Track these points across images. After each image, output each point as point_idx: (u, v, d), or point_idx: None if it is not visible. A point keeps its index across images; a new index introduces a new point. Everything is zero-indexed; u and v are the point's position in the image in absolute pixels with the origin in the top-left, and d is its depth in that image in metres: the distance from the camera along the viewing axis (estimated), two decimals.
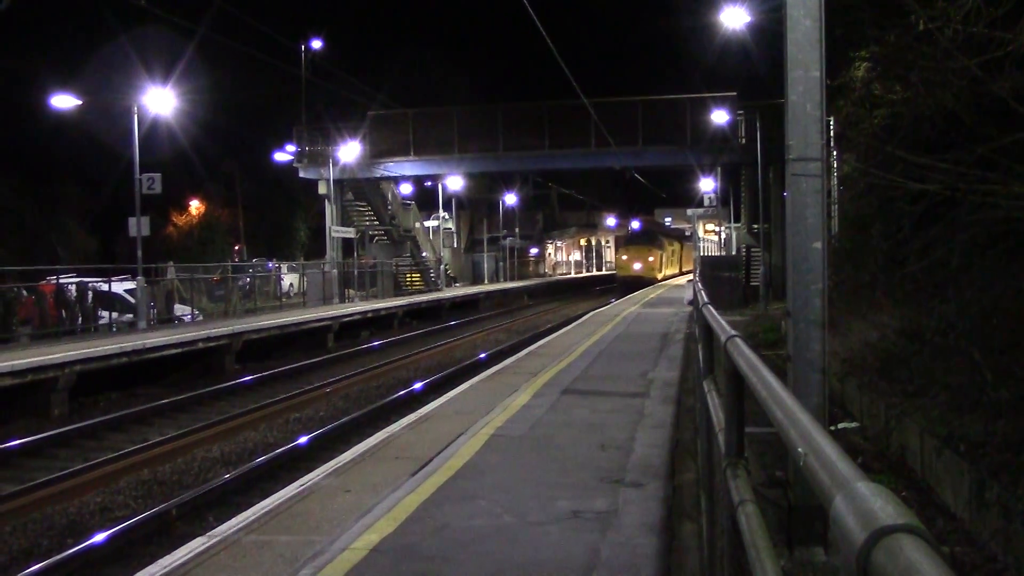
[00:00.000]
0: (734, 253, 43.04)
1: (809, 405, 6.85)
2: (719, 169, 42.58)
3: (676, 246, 68.74)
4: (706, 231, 72.57)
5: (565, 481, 6.71)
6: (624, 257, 57.01)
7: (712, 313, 5.37)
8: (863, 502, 1.08)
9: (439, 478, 6.78)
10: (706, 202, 48.10)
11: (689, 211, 43.94)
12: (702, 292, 9.78)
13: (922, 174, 9.46)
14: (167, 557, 5.23)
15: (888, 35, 10.64)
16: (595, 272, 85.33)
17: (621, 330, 20.20)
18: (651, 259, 55.43)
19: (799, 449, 1.46)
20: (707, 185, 47.46)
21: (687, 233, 75.51)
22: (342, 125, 37.90)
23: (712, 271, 32.41)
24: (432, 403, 10.56)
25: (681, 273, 67.11)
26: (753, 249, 36.99)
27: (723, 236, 62.24)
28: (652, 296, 36.66)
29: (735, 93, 36.28)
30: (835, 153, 19.00)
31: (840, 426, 10.78)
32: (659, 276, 55.38)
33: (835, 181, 19.69)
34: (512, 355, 16.18)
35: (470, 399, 10.64)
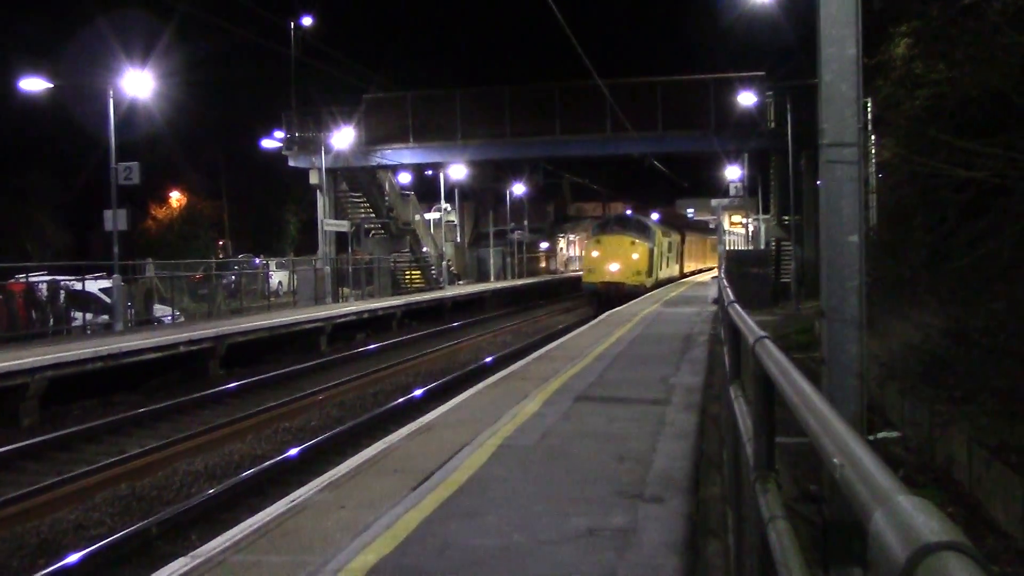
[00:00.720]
0: (762, 247, 42.98)
1: (845, 412, 6.84)
2: (746, 156, 42.53)
3: (675, 237, 54.71)
4: (732, 223, 72.33)
5: (579, 496, 6.71)
6: (595, 254, 40.74)
7: (739, 312, 5.36)
8: (905, 517, 1.08)
9: (442, 493, 6.79)
10: (732, 191, 47.84)
11: (713, 201, 43.40)
12: (727, 289, 9.77)
13: (968, 160, 9.43)
14: None
15: (931, 9, 10.60)
16: None
17: (640, 331, 20.20)
18: (635, 256, 39.91)
19: (834, 460, 1.46)
20: (733, 173, 47.37)
21: (711, 226, 74.88)
22: (335, 110, 37.96)
23: (739, 267, 32.35)
24: (434, 411, 10.57)
25: (683, 275, 55.06)
26: (783, 243, 36.93)
27: (750, 229, 62.14)
28: (672, 295, 36.63)
29: (763, 73, 36.20)
30: (873, 138, 18.94)
31: (879, 435, 10.76)
32: (649, 282, 40.28)
33: (873, 168, 19.64)
34: (521, 359, 16.19)
35: (475, 407, 10.64)
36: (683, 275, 56.95)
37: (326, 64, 50.54)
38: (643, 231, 41.98)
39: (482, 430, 9.10)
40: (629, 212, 56.89)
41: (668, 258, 49.59)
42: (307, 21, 38.32)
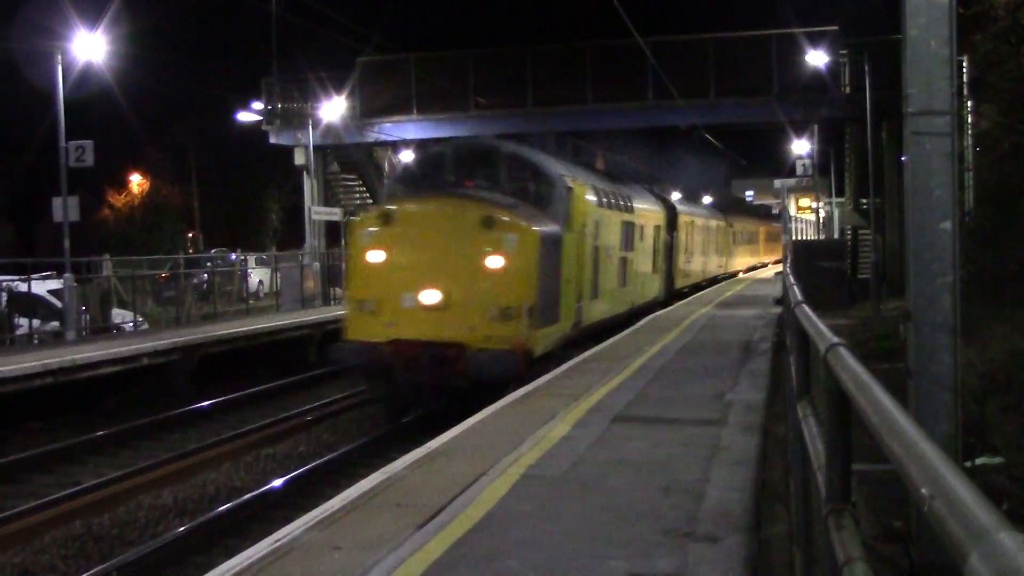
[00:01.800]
0: (836, 236, 42.83)
1: (937, 434, 6.81)
2: (816, 127, 42.36)
3: (709, 222, 45.09)
4: (800, 208, 72.02)
5: (618, 536, 6.71)
6: (376, 259, 17.39)
7: (808, 315, 5.35)
8: (1007, 558, 1.07)
9: (453, 532, 6.80)
10: (799, 170, 47.45)
11: (777, 182, 43.51)
12: (795, 288, 9.74)
13: None
14: None
15: None
16: None
17: (688, 339, 20.18)
18: (495, 264, 16.94)
19: (923, 491, 1.45)
20: (800, 148, 47.19)
21: (774, 211, 74.37)
22: (324, 76, 37.92)
23: (808, 260, 32.24)
24: (445, 435, 10.58)
25: (671, 295, 34.41)
26: (861, 231, 36.79)
27: (822, 215, 61.91)
28: (728, 294, 36.57)
29: (836, 28, 36.04)
30: (969, 104, 18.83)
31: (979, 461, 10.70)
32: (550, 336, 18.15)
33: (969, 141, 19.52)
34: (547, 371, 16.18)
35: (493, 430, 10.65)
36: (730, 274, 51.10)
37: (313, 22, 50.77)
38: (542, 192, 19.54)
39: (501, 457, 9.10)
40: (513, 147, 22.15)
41: (667, 259, 33.68)
42: None
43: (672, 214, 34.93)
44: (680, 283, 37.23)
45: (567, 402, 12.20)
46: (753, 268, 62.19)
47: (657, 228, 31.12)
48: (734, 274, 53.37)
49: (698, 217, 43.23)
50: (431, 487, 8.11)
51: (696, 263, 41.75)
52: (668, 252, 33.85)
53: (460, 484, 8.14)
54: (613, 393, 12.92)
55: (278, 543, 6.71)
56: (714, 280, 46.31)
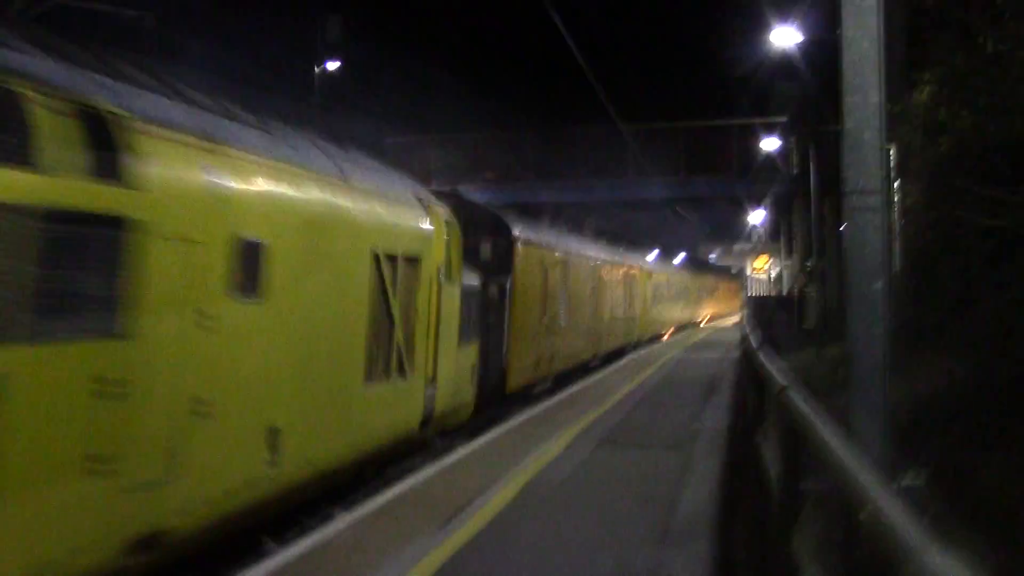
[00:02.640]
0: (785, 293, 42.79)
1: (872, 457, 6.78)
2: (769, 200, 42.47)
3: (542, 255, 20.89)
4: (755, 268, 71.91)
5: (605, 537, 6.68)
6: None
7: (763, 360, 5.36)
8: (936, 572, 1.07)
9: (468, 531, 6.77)
10: (754, 237, 47.55)
11: (736, 247, 43.47)
12: (752, 336, 9.74)
13: (993, 207, 9.40)
14: None
15: (955, 57, 10.63)
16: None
17: (662, 375, 20.11)
18: None
19: (861, 516, 1.46)
20: (756, 217, 47.28)
21: (733, 272, 74.18)
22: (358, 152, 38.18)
23: (762, 311, 32.21)
24: (459, 451, 10.54)
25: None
26: (806, 288, 36.73)
27: (772, 273, 61.84)
28: (695, 340, 36.45)
29: (785, 119, 36.26)
30: (896, 184, 18.88)
31: (906, 481, 10.63)
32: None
33: (896, 214, 19.56)
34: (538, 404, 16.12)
35: (500, 447, 10.62)
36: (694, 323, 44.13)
37: (349, 108, 51.12)
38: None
39: (506, 471, 9.08)
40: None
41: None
42: (332, 66, 38.73)
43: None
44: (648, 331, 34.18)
45: (560, 428, 12.15)
46: (713, 318, 58.43)
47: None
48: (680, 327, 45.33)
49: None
50: (449, 494, 8.08)
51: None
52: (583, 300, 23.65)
53: (474, 492, 8.11)
54: (599, 420, 12.89)
55: (313, 542, 6.66)
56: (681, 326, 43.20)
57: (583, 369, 22.00)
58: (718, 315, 60.73)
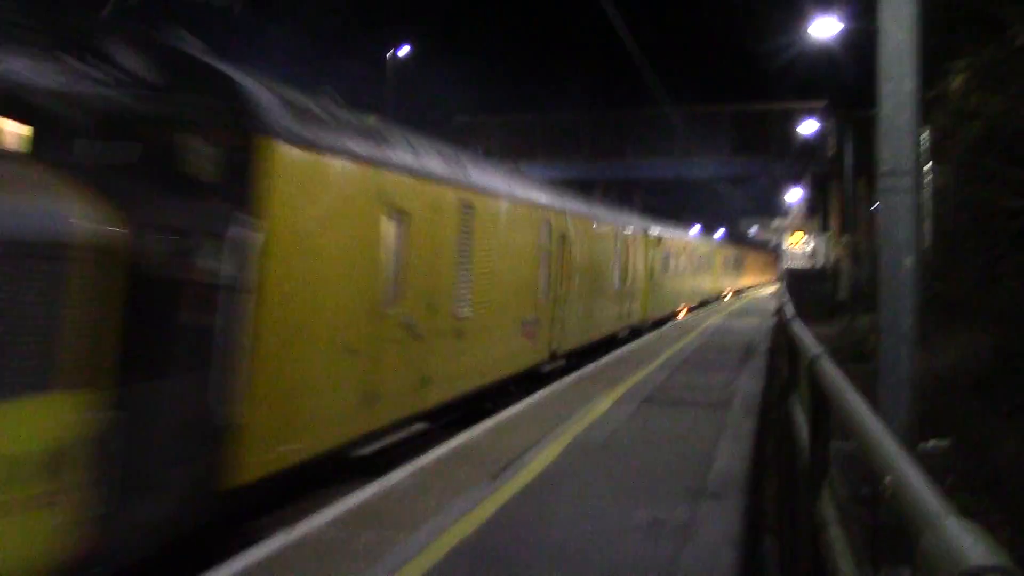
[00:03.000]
0: (820, 266, 42.16)
1: (898, 422, 6.68)
2: (808, 179, 41.78)
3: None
4: (792, 243, 70.89)
5: (645, 490, 6.66)
6: None
7: (798, 328, 5.28)
8: (952, 540, 1.05)
9: (517, 484, 6.80)
10: (792, 213, 46.92)
11: (775, 222, 42.89)
12: (788, 305, 9.62)
13: (1021, 189, 9.14)
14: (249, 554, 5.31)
15: (985, 50, 10.33)
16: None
17: (703, 341, 19.96)
18: None
19: (886, 480, 1.43)
20: (794, 195, 46.56)
21: (772, 244, 73.21)
22: (427, 132, 38.32)
23: (799, 283, 31.78)
24: (511, 408, 10.58)
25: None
26: (841, 262, 36.18)
27: (810, 248, 60.86)
28: (735, 307, 36.11)
29: (824, 104, 35.60)
30: (928, 165, 18.43)
31: (930, 445, 10.46)
32: None
33: (928, 192, 19.11)
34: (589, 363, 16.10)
35: (549, 407, 10.64)
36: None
37: (419, 91, 51.14)
38: None
39: (555, 427, 9.09)
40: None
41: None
42: (403, 51, 38.79)
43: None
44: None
45: (607, 387, 12.12)
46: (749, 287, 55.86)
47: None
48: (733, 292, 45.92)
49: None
50: (501, 449, 8.12)
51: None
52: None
53: (523, 447, 8.14)
54: (643, 381, 12.82)
55: (384, 486, 6.75)
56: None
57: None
58: (749, 287, 56.21)
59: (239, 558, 5.18)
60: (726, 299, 42.43)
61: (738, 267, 51.14)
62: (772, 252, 66.64)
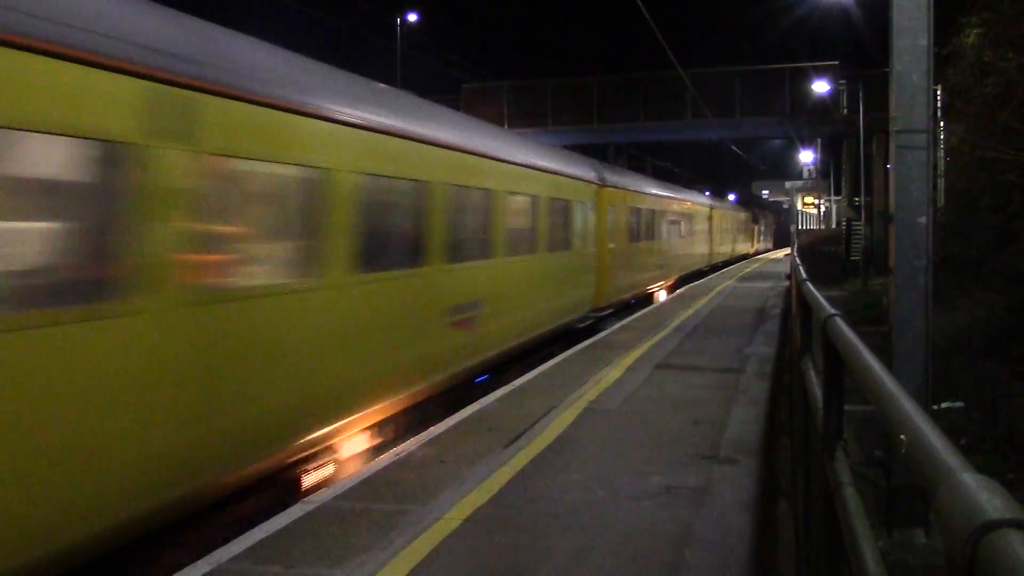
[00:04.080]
0: (833, 227, 41.91)
1: (911, 384, 6.67)
2: (819, 140, 41.44)
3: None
4: (804, 204, 70.57)
5: (658, 456, 6.68)
6: None
7: (811, 290, 5.26)
8: (968, 495, 1.05)
9: (531, 451, 6.83)
10: (804, 174, 46.59)
11: (787, 184, 42.62)
12: (800, 268, 9.57)
13: None
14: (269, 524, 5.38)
15: (1001, 3, 10.17)
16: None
17: (716, 304, 19.92)
18: None
19: (901, 437, 1.42)
20: (806, 157, 46.24)
21: (785, 206, 72.86)
22: (437, 99, 38.13)
23: (811, 245, 31.65)
24: (524, 376, 10.61)
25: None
26: (854, 223, 35.99)
27: (822, 209, 60.54)
28: (748, 270, 35.99)
29: (837, 63, 35.25)
30: (942, 124, 18.26)
31: (944, 405, 10.45)
32: None
33: (942, 152, 18.95)
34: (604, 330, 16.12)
35: (562, 373, 10.65)
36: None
37: (429, 57, 50.78)
38: None
39: (569, 394, 9.11)
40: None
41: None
42: (412, 17, 38.61)
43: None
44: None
45: (620, 352, 12.13)
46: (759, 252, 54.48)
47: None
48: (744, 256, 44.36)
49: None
50: (515, 416, 8.14)
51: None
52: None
53: (537, 414, 8.16)
54: (656, 346, 12.81)
55: (398, 456, 6.80)
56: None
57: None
58: (755, 253, 53.33)
59: (259, 528, 5.23)
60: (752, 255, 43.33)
61: (743, 231, 49.49)
62: (780, 214, 66.27)
